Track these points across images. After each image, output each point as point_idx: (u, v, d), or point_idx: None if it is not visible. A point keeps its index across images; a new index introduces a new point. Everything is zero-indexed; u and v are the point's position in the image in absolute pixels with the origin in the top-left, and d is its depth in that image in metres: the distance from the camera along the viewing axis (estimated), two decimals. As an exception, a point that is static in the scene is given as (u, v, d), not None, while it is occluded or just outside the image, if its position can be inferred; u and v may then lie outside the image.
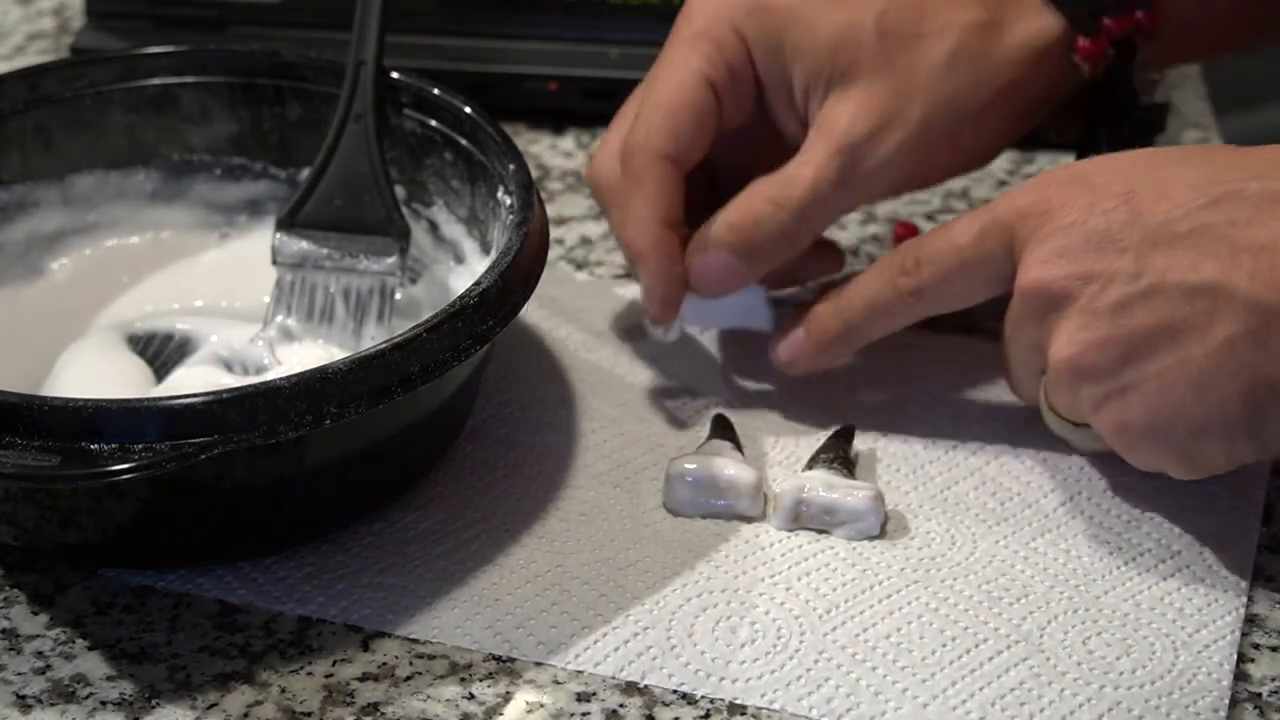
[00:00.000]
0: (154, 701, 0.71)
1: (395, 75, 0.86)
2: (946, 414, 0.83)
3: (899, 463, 0.81)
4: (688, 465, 0.78)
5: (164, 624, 0.74)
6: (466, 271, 0.85)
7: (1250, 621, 0.74)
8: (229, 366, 0.82)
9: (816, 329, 0.81)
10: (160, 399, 0.71)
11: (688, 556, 0.76)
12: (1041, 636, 0.73)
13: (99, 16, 1.06)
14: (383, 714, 0.70)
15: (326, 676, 0.72)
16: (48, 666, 0.72)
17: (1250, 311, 0.69)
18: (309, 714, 0.70)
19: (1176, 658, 0.72)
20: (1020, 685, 0.71)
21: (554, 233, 0.93)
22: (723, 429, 0.81)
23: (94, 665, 0.72)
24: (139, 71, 0.87)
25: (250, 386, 0.70)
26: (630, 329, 0.88)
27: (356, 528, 0.77)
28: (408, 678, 0.72)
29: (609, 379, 0.85)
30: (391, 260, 0.84)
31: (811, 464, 0.79)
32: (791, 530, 0.77)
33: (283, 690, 0.71)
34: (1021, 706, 0.70)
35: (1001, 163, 1.01)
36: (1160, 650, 0.72)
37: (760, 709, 0.70)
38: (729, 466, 0.78)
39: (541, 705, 0.71)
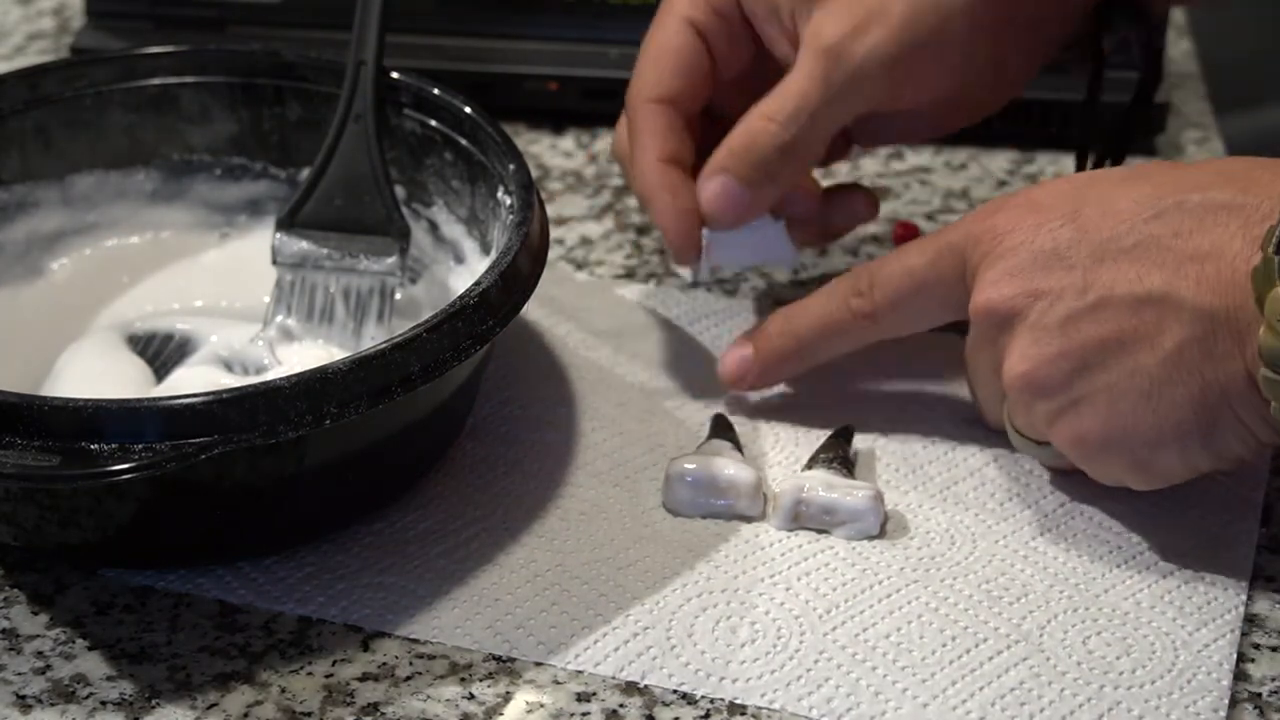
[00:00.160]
0: (154, 701, 0.71)
1: (395, 75, 0.86)
2: (946, 414, 0.83)
3: (898, 462, 0.81)
4: (687, 465, 0.78)
5: (164, 624, 0.74)
6: (466, 271, 0.85)
7: (1250, 621, 0.74)
8: (229, 366, 0.82)
9: (766, 347, 0.81)
10: (160, 399, 0.71)
11: (688, 556, 0.76)
12: (1041, 636, 0.73)
13: (99, 16, 1.06)
14: (383, 714, 0.70)
15: (326, 676, 0.72)
16: (48, 666, 0.72)
17: (1197, 319, 0.70)
18: (309, 714, 0.70)
19: (1176, 657, 0.72)
20: (1020, 685, 0.71)
21: (554, 233, 0.93)
22: (722, 429, 0.81)
23: (94, 665, 0.72)
24: (139, 71, 0.87)
25: (250, 386, 0.70)
26: (630, 328, 0.88)
27: (356, 528, 0.77)
28: (408, 678, 0.72)
29: (609, 378, 0.85)
30: (391, 260, 0.84)
31: (811, 464, 0.79)
32: (791, 530, 0.77)
33: (283, 690, 0.71)
34: (1021, 706, 0.70)
35: (1001, 162, 1.01)
36: (1160, 650, 0.72)
37: (760, 709, 0.70)
38: (728, 466, 0.78)
39: (541, 705, 0.71)
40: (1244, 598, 0.75)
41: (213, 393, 0.70)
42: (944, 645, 0.72)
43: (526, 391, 0.84)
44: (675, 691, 0.71)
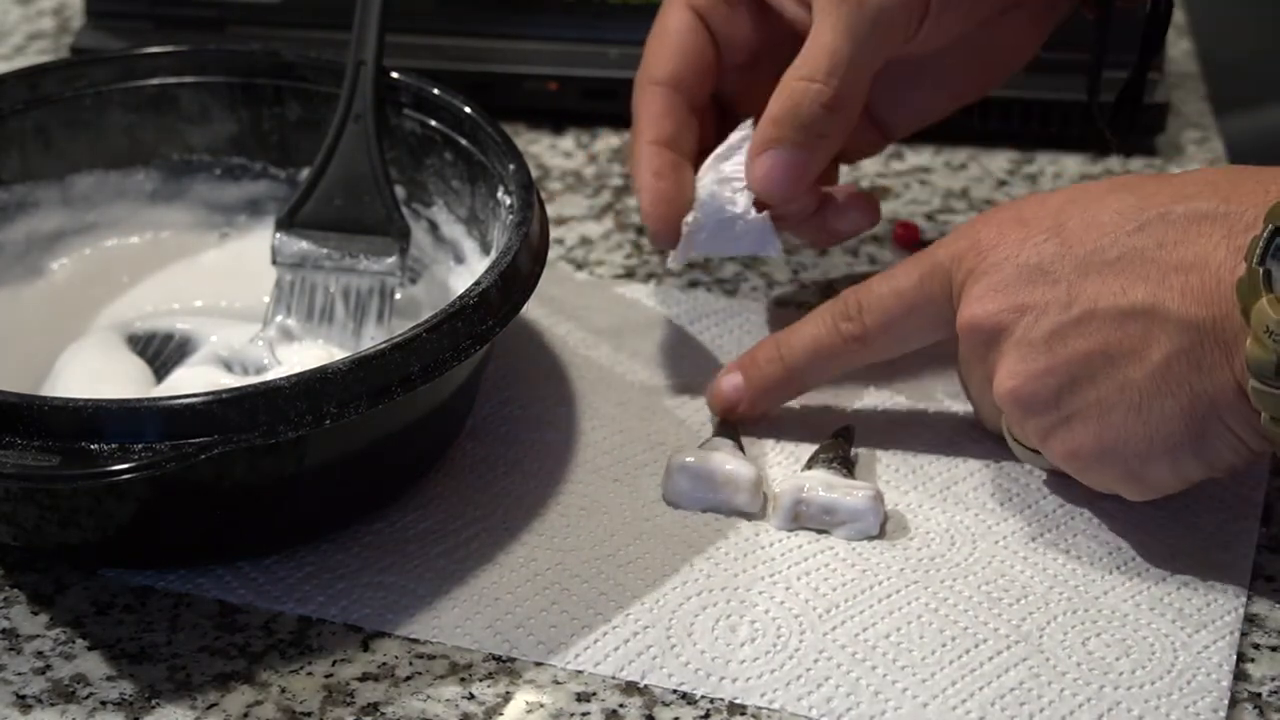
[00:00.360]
0: (154, 701, 0.71)
1: (395, 75, 0.86)
2: (946, 415, 0.83)
3: (898, 463, 0.81)
4: (687, 458, 0.78)
5: (164, 624, 0.74)
6: (466, 271, 0.85)
7: (1250, 621, 0.74)
8: (229, 366, 0.82)
9: (756, 374, 0.81)
10: (160, 399, 0.71)
11: (688, 554, 0.76)
12: (1041, 636, 0.73)
13: (99, 16, 1.06)
14: (383, 714, 0.70)
15: (326, 676, 0.72)
16: (48, 666, 0.72)
17: (1183, 330, 0.70)
18: (309, 714, 0.70)
19: (1176, 658, 0.72)
20: (1020, 685, 0.71)
21: (554, 233, 0.93)
22: (727, 427, 0.81)
23: (94, 665, 0.72)
24: (139, 71, 0.87)
25: (250, 386, 0.70)
26: (630, 327, 0.88)
27: (356, 528, 0.77)
28: (408, 678, 0.72)
29: (609, 377, 0.85)
30: (391, 260, 0.84)
31: (811, 464, 0.79)
32: (791, 530, 0.77)
33: (283, 690, 0.71)
34: (1021, 706, 0.70)
35: (1001, 162, 1.01)
36: (1160, 650, 0.72)
37: (760, 708, 0.70)
38: (728, 461, 0.78)
39: (541, 705, 0.71)
40: (1244, 598, 0.74)
41: (213, 393, 0.70)
42: (944, 645, 0.72)
43: (526, 391, 0.84)
44: (675, 691, 0.71)
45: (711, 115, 0.86)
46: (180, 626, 0.73)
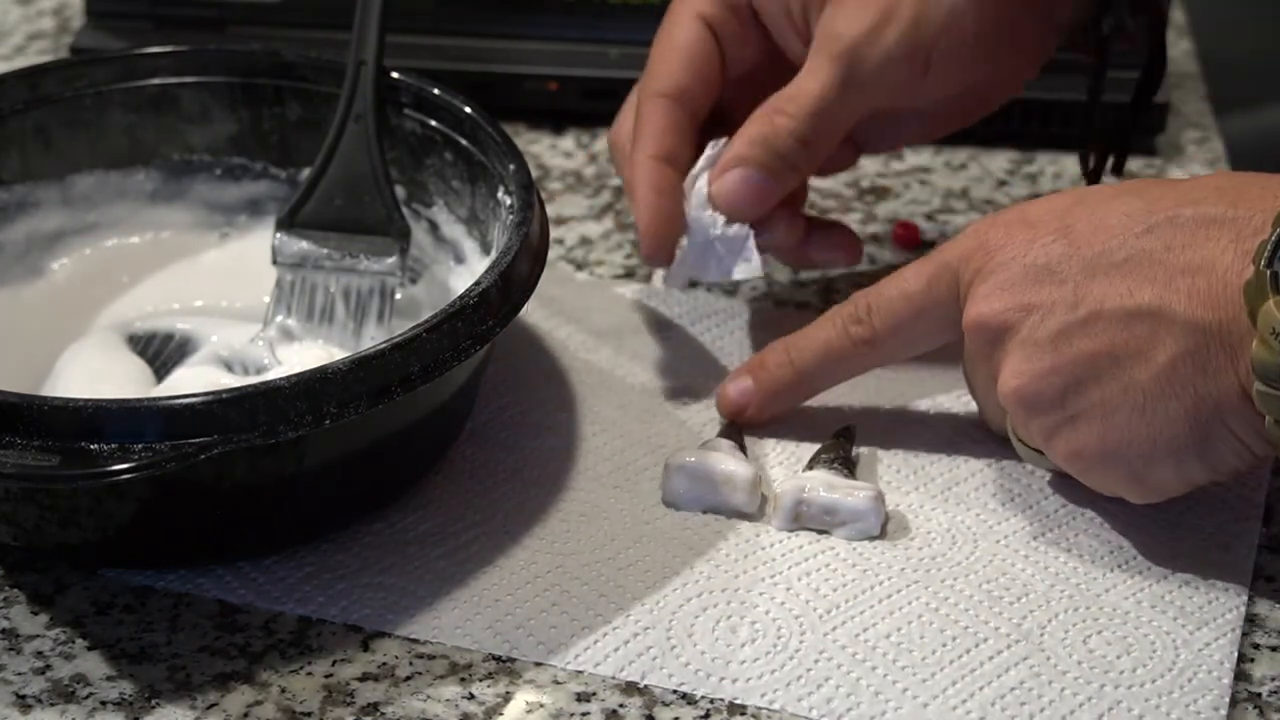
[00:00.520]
0: (154, 701, 0.71)
1: (395, 75, 0.86)
2: (948, 415, 0.83)
3: (899, 463, 0.81)
4: (686, 458, 0.78)
5: (164, 624, 0.74)
6: (467, 271, 0.85)
7: (1250, 621, 0.74)
8: (229, 366, 0.82)
9: (765, 378, 0.81)
10: (160, 399, 0.71)
11: (688, 556, 0.76)
12: (1042, 636, 0.73)
13: (99, 16, 1.06)
14: (383, 714, 0.70)
15: (326, 676, 0.72)
16: (48, 666, 0.72)
17: (1189, 332, 0.70)
18: (309, 714, 0.70)
19: (1177, 657, 0.72)
20: (1020, 685, 0.71)
21: (554, 233, 0.93)
22: (730, 428, 0.81)
23: (94, 665, 0.72)
24: (139, 71, 0.87)
25: (250, 386, 0.70)
26: (631, 328, 0.88)
27: (356, 528, 0.77)
28: (408, 678, 0.72)
29: (609, 380, 0.85)
30: (391, 260, 0.84)
31: (812, 464, 0.79)
32: (792, 530, 0.77)
33: (283, 690, 0.71)
34: (1022, 706, 0.70)
35: (1001, 162, 1.01)
36: (1161, 649, 0.72)
37: (760, 709, 0.70)
38: (727, 461, 0.78)
39: (541, 705, 0.71)
40: (1244, 597, 0.74)
41: (213, 393, 0.70)
42: (944, 645, 0.72)
43: (527, 394, 0.84)
44: (675, 691, 0.71)
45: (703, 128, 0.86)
46: (180, 626, 0.73)
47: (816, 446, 0.81)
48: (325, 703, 0.71)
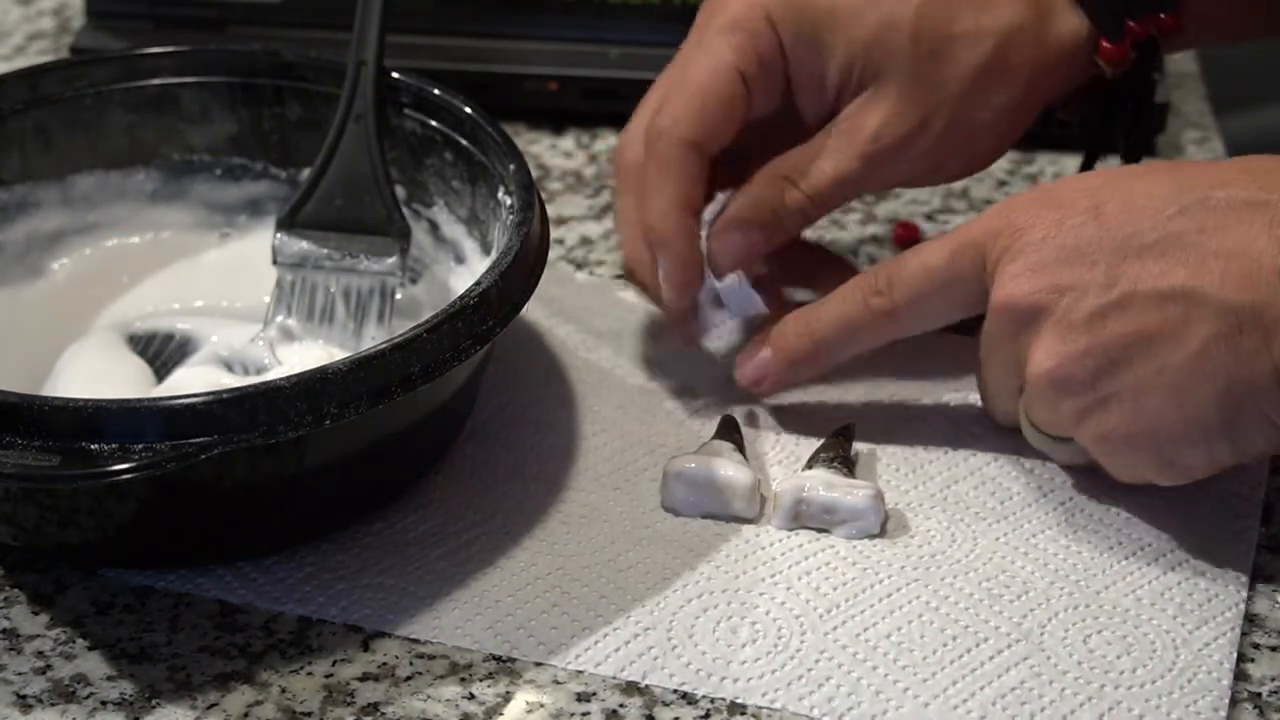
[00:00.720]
0: (154, 701, 0.71)
1: (395, 75, 0.86)
2: (947, 413, 0.83)
3: (899, 462, 0.81)
4: (685, 465, 0.78)
5: (164, 624, 0.74)
6: (467, 272, 0.85)
7: (1250, 621, 0.74)
8: (229, 366, 0.82)
9: (785, 347, 0.81)
10: (160, 399, 0.71)
11: (688, 557, 0.76)
12: (1042, 635, 0.73)
13: (99, 16, 1.06)
14: (383, 714, 0.70)
15: (326, 676, 0.72)
16: (48, 666, 0.72)
17: (1222, 315, 0.70)
18: (309, 714, 0.70)
19: (1177, 656, 0.72)
20: (1021, 684, 0.71)
21: (554, 233, 0.93)
22: (728, 430, 0.81)
23: (94, 665, 0.72)
24: (139, 71, 0.87)
25: (250, 386, 0.70)
26: (631, 328, 0.88)
27: (356, 528, 0.77)
28: (408, 678, 0.72)
29: (609, 379, 0.85)
30: (392, 260, 0.84)
31: (811, 463, 0.79)
32: (792, 529, 0.77)
33: (283, 690, 0.71)
34: (1022, 705, 0.70)
35: (1002, 163, 1.00)
36: (1160, 649, 0.72)
37: (761, 708, 0.70)
38: (726, 467, 0.78)
39: (541, 705, 0.71)
40: (1244, 597, 0.74)
41: (213, 393, 0.70)
42: (945, 644, 0.72)
43: (527, 393, 0.84)
44: (676, 691, 0.71)
45: None
46: (180, 626, 0.73)
47: (816, 445, 0.81)
48: (325, 703, 0.71)
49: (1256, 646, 0.73)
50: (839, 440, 0.81)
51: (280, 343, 0.83)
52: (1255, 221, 0.70)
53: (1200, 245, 0.71)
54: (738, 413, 0.83)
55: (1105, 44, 0.81)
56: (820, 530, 0.77)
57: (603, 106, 1.02)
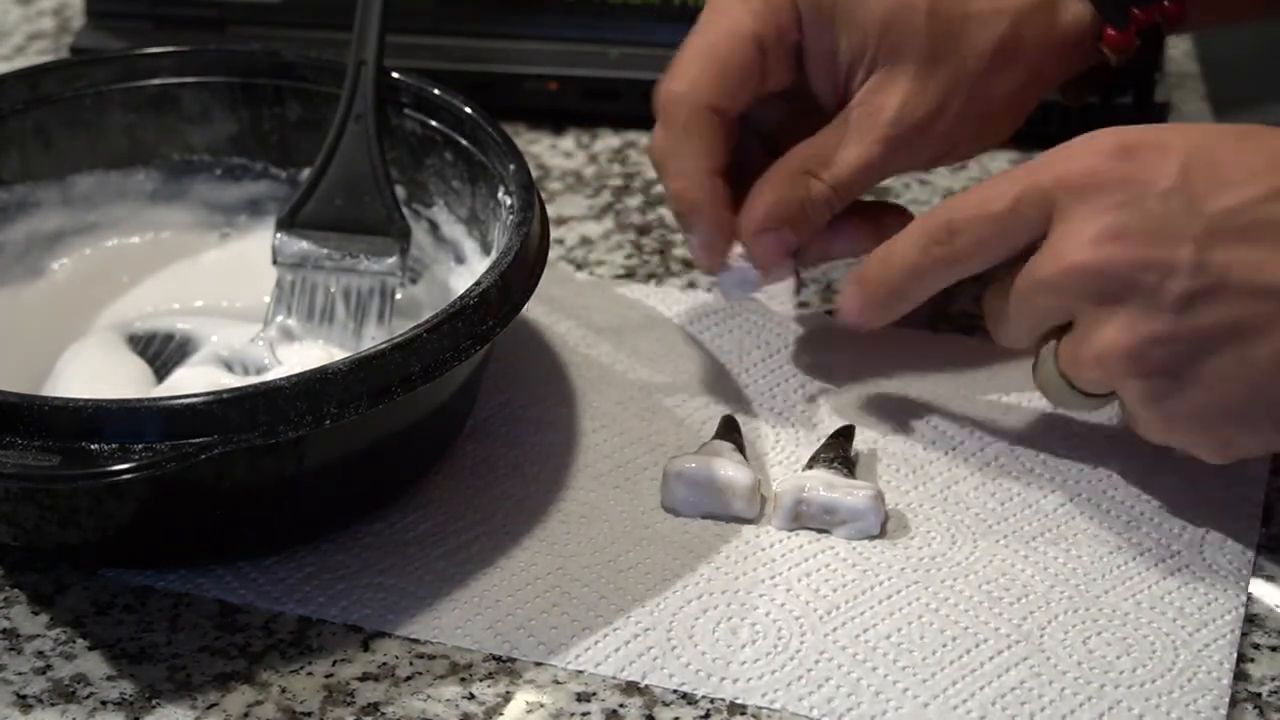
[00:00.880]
0: (154, 701, 0.71)
1: (395, 75, 0.86)
2: (946, 414, 0.83)
3: (899, 462, 0.81)
4: (685, 465, 0.78)
5: (164, 624, 0.74)
6: (467, 272, 0.85)
7: (1250, 621, 0.74)
8: (229, 366, 0.82)
9: (868, 290, 0.79)
10: (160, 399, 0.71)
11: (688, 558, 0.76)
12: (1042, 636, 0.73)
13: (99, 16, 1.06)
14: (383, 714, 0.70)
15: (326, 676, 0.72)
16: (48, 666, 0.72)
17: None
18: (309, 714, 0.70)
19: (1176, 657, 0.72)
20: (1020, 685, 0.71)
21: (554, 233, 0.93)
22: (728, 430, 0.81)
23: (94, 665, 0.72)
24: (139, 71, 0.87)
25: (250, 386, 0.70)
26: (631, 327, 0.88)
27: (356, 528, 0.77)
28: (408, 678, 0.72)
29: (609, 376, 0.85)
30: (392, 260, 0.84)
31: (812, 463, 0.79)
32: (792, 530, 0.77)
33: (283, 690, 0.71)
34: (1022, 706, 0.70)
35: (1001, 163, 1.00)
36: (1160, 649, 0.72)
37: (761, 709, 0.70)
38: (726, 467, 0.78)
39: (541, 705, 0.71)
40: (1244, 598, 0.75)
41: (213, 393, 0.70)
42: (944, 645, 0.72)
43: (527, 392, 0.84)
44: (675, 691, 0.71)
45: None
46: (180, 626, 0.73)
47: (816, 445, 0.81)
48: (325, 703, 0.71)
49: (1257, 647, 0.73)
50: (839, 440, 0.81)
51: (280, 343, 0.83)
52: None
53: None
54: (737, 411, 0.83)
55: (1110, 31, 0.81)
56: (820, 531, 0.77)
57: (603, 106, 1.02)
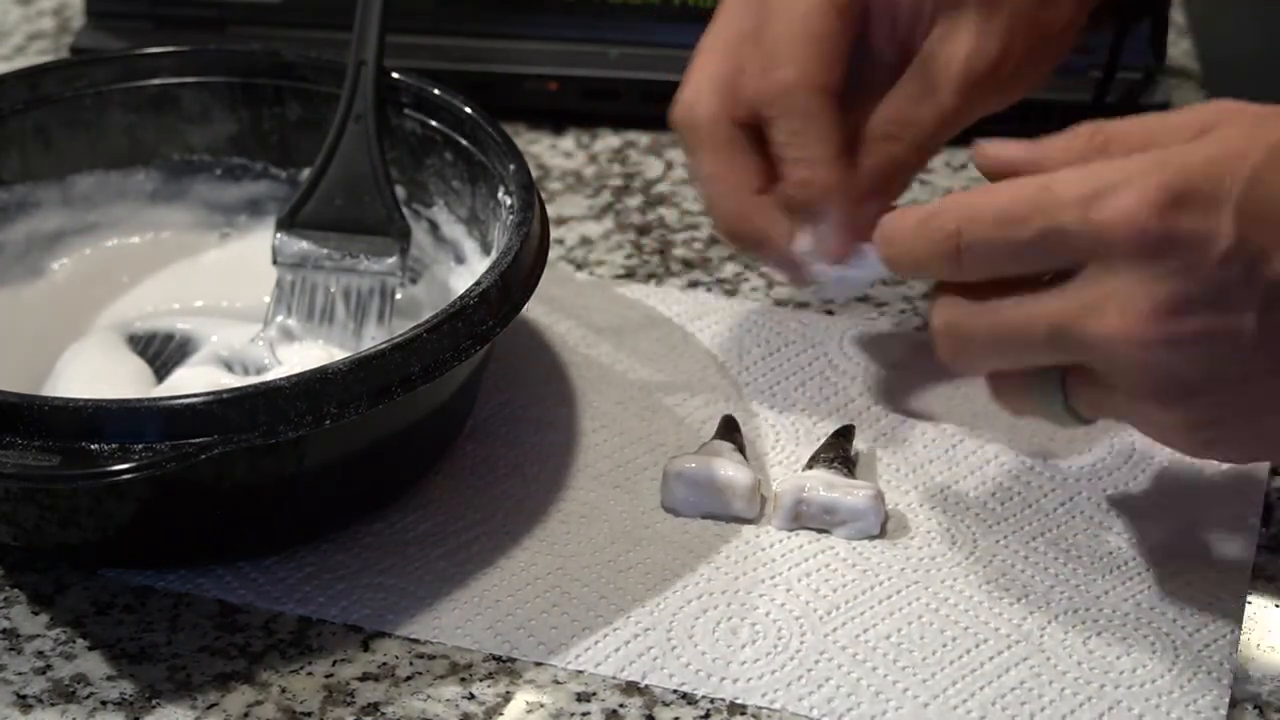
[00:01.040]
0: (154, 701, 0.71)
1: (395, 75, 0.86)
2: (947, 414, 0.83)
3: (899, 462, 0.81)
4: (685, 465, 0.78)
5: (164, 624, 0.74)
6: (467, 272, 0.85)
7: (1250, 621, 0.74)
8: (229, 366, 0.82)
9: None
10: (160, 399, 0.71)
11: (688, 558, 0.76)
12: (1042, 636, 0.73)
13: (99, 16, 1.06)
14: (383, 714, 0.70)
15: (326, 676, 0.72)
16: (48, 666, 0.72)
17: None
18: (309, 714, 0.70)
19: (1176, 657, 0.72)
20: (1020, 685, 0.71)
21: (554, 233, 0.93)
22: (728, 430, 0.81)
23: (94, 665, 0.72)
24: (139, 71, 0.87)
25: (250, 386, 0.70)
26: (631, 327, 0.88)
27: (356, 528, 0.77)
28: (408, 678, 0.72)
29: (609, 375, 0.85)
30: (392, 260, 0.84)
31: (812, 463, 0.79)
32: (792, 530, 0.77)
33: (283, 690, 0.71)
34: (1022, 706, 0.70)
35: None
36: (1160, 650, 0.72)
37: (761, 709, 0.70)
38: (726, 467, 0.78)
39: (541, 705, 0.71)
40: (1244, 598, 0.74)
41: (213, 393, 0.70)
42: (944, 645, 0.72)
43: (527, 392, 0.84)
44: (675, 691, 0.71)
45: None
46: (180, 626, 0.74)
47: (816, 445, 0.81)
48: (325, 703, 0.71)
49: (1257, 647, 0.73)
50: (839, 440, 0.81)
51: (280, 343, 0.83)
52: None
53: None
54: (737, 410, 0.83)
55: None
56: (820, 531, 0.77)
57: (603, 106, 1.02)
